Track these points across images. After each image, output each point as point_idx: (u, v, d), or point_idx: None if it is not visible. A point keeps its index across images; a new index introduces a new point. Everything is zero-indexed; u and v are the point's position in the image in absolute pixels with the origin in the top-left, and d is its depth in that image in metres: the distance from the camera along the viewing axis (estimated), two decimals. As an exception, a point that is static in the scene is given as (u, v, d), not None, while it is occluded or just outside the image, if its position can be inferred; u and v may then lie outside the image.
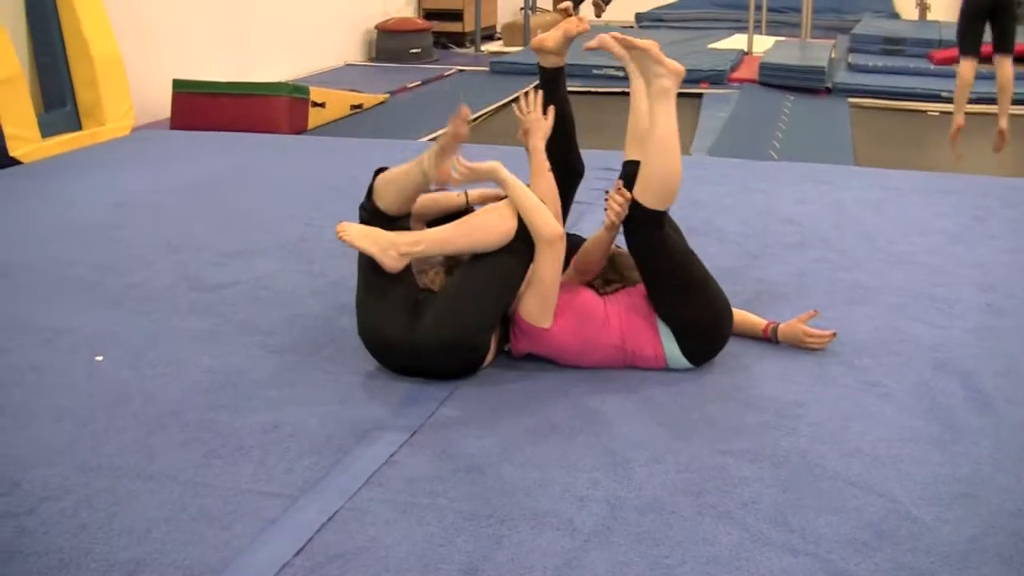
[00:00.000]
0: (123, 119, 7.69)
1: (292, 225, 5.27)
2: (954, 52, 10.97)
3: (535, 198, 3.53)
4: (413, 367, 3.51)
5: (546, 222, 3.51)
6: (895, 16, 15.36)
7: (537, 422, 3.25)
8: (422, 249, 3.46)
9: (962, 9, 7.75)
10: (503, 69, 11.63)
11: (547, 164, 3.82)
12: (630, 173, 3.74)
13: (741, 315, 3.87)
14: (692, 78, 11.04)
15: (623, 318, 3.61)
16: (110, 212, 5.57)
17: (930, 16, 14.62)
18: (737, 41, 13.48)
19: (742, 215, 5.51)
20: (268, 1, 10.68)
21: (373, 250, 3.43)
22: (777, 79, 10.83)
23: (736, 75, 11.21)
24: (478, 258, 3.49)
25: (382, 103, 9.68)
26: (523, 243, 3.48)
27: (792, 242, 5.04)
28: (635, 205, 3.53)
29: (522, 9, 16.39)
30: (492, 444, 3.11)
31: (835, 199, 5.81)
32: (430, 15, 13.80)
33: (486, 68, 11.92)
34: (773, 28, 14.46)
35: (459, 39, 14.05)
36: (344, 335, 3.87)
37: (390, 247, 3.44)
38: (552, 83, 4.12)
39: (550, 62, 4.15)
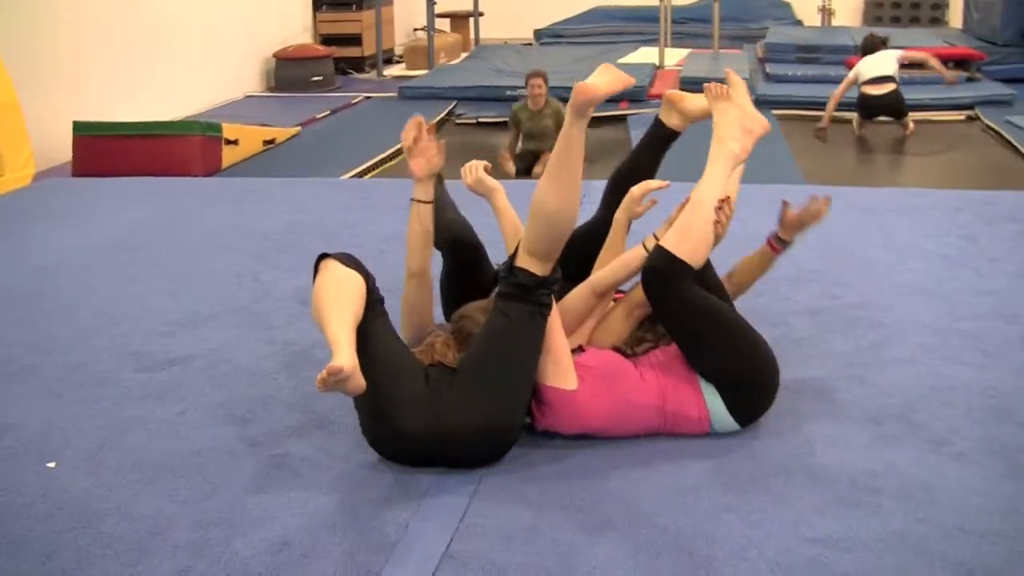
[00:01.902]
0: (23, 168, 7.03)
1: (239, 283, 4.73)
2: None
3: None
4: (436, 458, 3.02)
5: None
6: (798, 23, 15.29)
7: (587, 516, 2.80)
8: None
9: None
10: (413, 94, 11.16)
11: None
12: None
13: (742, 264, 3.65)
14: (611, 98, 10.71)
15: (659, 375, 3.19)
16: (30, 278, 4.94)
17: (835, 22, 14.57)
18: (644, 55, 13.22)
19: (722, 245, 5.11)
20: (160, 35, 10.01)
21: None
22: (696, 91, 10.52)
23: (655, 91, 10.91)
24: (499, 326, 3.02)
25: (295, 136, 9.13)
26: (547, 296, 3.05)
27: (787, 275, 4.66)
28: (663, 253, 3.13)
29: (416, 30, 15.98)
30: (546, 549, 2.65)
31: (814, 224, 5.46)
32: (327, 40, 13.25)
33: (393, 94, 11.44)
34: (677, 40, 14.26)
35: (358, 64, 13.53)
36: (332, 417, 3.37)
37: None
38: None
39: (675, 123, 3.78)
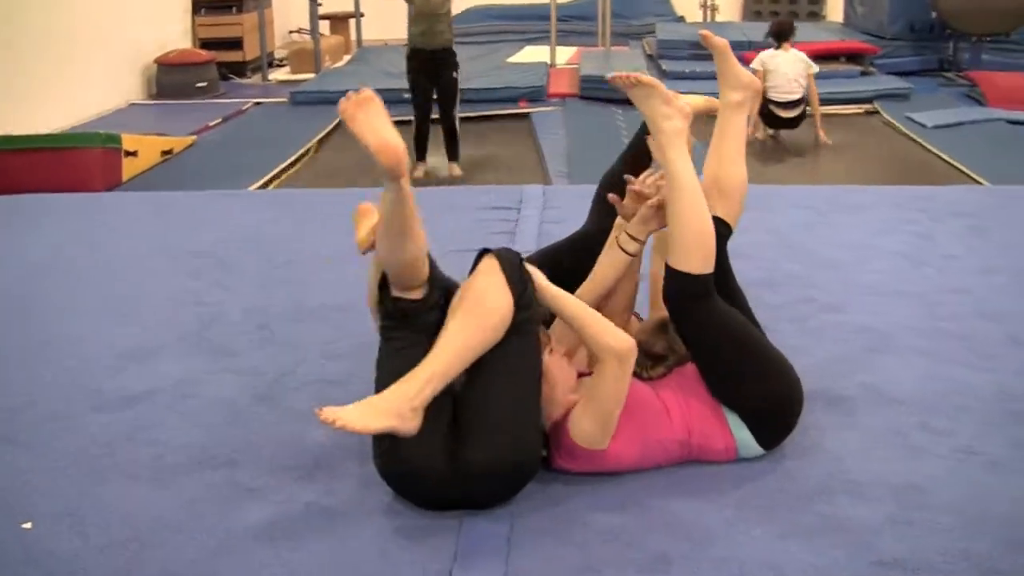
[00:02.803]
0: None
1: (183, 308, 4.40)
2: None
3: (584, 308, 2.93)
4: (455, 500, 2.78)
5: (612, 331, 2.88)
6: (680, 20, 15.32)
7: (640, 553, 2.62)
8: (432, 388, 2.68)
9: None
10: (305, 99, 10.81)
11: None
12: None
13: None
14: (510, 96, 10.56)
15: (683, 407, 3.01)
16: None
17: (719, 18, 14.65)
18: (531, 54, 13.11)
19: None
20: (34, 44, 9.45)
21: (390, 424, 2.64)
22: (600, 92, 10.45)
23: (553, 90, 10.79)
24: (493, 359, 2.80)
25: (191, 146, 8.74)
26: (524, 313, 2.83)
27: (759, 279, 4.54)
28: (678, 275, 2.94)
29: (292, 33, 15.60)
30: (607, 596, 2.47)
31: (767, 224, 5.36)
32: (207, 45, 12.79)
33: (283, 99, 11.08)
34: (561, 37, 14.15)
35: (240, 69, 13.09)
36: (329, 456, 3.11)
37: (403, 408, 2.65)
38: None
39: None
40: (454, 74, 8.30)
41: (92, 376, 3.75)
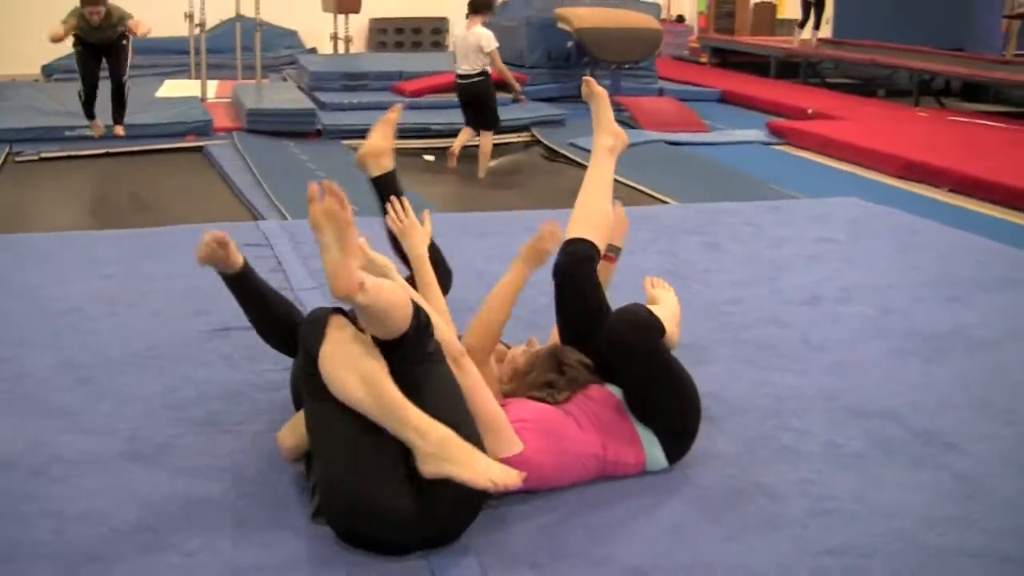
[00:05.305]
0: None
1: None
2: (423, 83, 11.26)
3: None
4: (417, 542, 2.78)
5: (450, 339, 3.04)
6: (312, 51, 15.38)
7: (620, 571, 2.74)
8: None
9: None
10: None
11: (432, 273, 3.44)
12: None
13: None
14: (177, 131, 10.25)
15: (597, 424, 3.19)
16: None
17: (352, 49, 14.85)
18: (173, 88, 12.78)
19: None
20: None
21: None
22: (267, 125, 10.38)
23: (218, 124, 10.59)
24: (426, 384, 2.83)
25: None
26: (430, 344, 2.91)
27: (543, 306, 4.75)
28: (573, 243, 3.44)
29: None
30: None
31: (512, 252, 5.54)
32: None
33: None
34: (195, 71, 13.85)
35: None
36: (249, 514, 2.99)
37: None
38: (392, 188, 3.70)
39: (382, 167, 3.74)
40: (124, 43, 9.15)
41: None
